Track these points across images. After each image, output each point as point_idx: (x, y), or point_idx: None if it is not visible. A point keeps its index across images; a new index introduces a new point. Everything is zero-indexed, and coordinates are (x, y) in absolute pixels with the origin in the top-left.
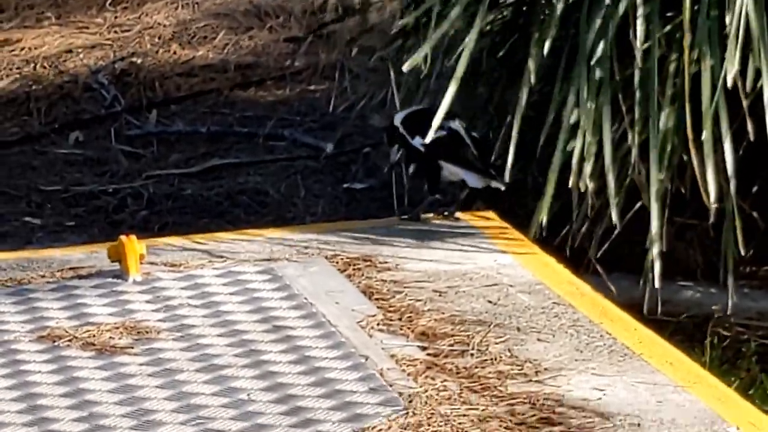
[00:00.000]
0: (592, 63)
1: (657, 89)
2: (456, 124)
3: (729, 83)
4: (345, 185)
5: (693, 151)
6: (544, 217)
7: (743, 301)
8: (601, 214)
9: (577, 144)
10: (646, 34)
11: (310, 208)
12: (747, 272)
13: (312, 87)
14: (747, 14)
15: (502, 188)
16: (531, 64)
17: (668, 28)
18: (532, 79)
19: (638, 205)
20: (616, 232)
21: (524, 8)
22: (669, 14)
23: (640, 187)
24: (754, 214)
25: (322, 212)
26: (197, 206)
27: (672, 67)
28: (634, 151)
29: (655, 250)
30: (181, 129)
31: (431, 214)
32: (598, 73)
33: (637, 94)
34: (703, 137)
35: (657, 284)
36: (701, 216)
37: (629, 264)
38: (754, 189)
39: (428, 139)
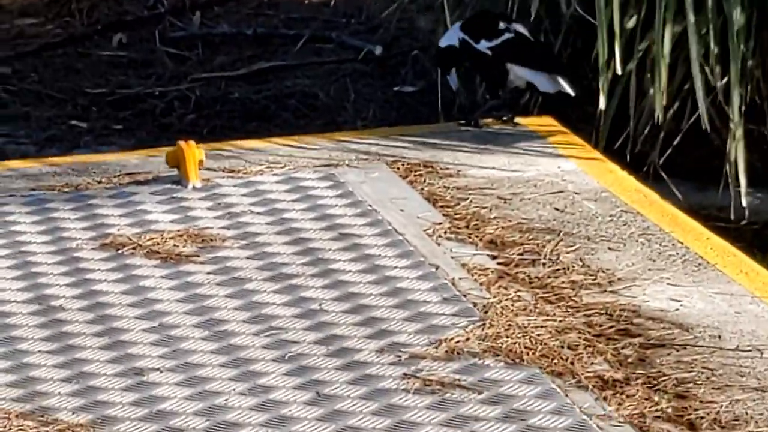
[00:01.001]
0: None
1: None
2: (520, 27)
3: None
4: (395, 88)
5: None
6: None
7: None
8: (656, 123)
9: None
10: None
11: (361, 112)
12: None
13: None
14: None
15: (573, 94)
16: None
17: None
18: None
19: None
20: (680, 134)
21: None
22: None
23: (695, 90)
24: None
25: (373, 116)
26: (245, 110)
27: None
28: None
29: (740, 158)
30: (226, 31)
31: (490, 120)
32: None
33: None
34: None
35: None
36: (759, 120)
37: (686, 170)
38: None
39: (496, 42)
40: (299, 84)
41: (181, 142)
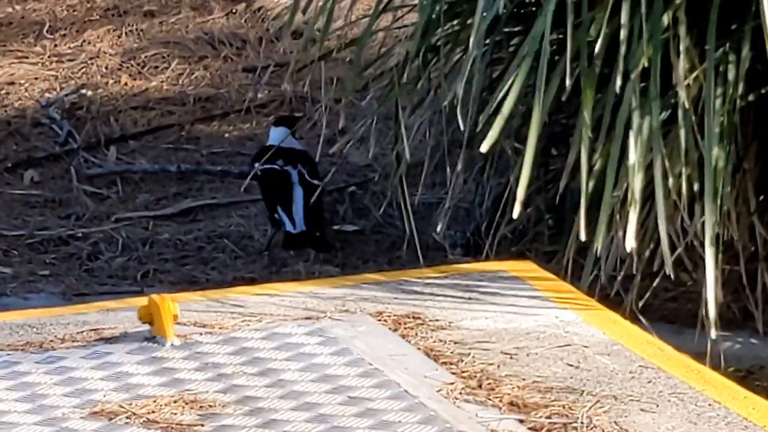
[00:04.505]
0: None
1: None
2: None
3: None
4: (335, 227)
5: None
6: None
7: None
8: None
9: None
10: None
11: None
12: None
13: None
14: None
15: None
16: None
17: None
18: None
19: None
20: (657, 280)
21: None
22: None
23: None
24: None
25: (315, 257)
26: (178, 251)
27: (718, 102)
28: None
29: (710, 301)
30: (147, 167)
31: (464, 264)
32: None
33: (682, 133)
34: None
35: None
36: (732, 261)
37: (659, 312)
38: None
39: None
40: (232, 223)
41: (154, 296)
